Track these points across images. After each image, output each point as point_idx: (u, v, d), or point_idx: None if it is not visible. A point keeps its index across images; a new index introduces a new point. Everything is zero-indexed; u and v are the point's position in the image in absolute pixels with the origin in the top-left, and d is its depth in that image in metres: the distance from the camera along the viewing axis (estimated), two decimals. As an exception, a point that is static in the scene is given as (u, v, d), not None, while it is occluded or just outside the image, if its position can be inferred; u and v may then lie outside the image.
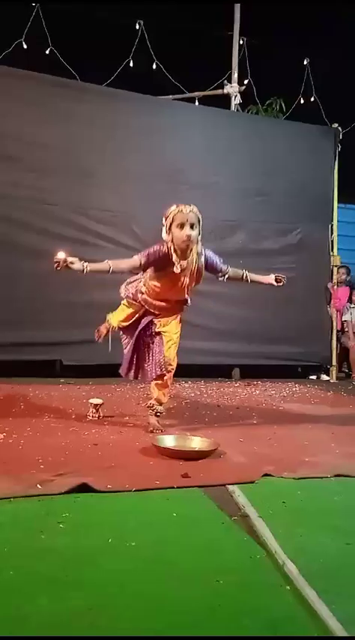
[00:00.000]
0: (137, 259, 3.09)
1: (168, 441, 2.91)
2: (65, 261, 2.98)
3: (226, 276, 3.23)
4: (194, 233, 2.98)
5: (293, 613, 1.39)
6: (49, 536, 1.77)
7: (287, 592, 1.49)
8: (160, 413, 3.32)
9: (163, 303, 3.25)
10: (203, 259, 3.11)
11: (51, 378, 5.19)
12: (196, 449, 2.83)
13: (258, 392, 5.19)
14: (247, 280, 3.33)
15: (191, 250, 3.03)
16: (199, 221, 3.02)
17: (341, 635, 1.29)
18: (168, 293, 3.20)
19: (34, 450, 2.70)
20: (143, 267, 3.14)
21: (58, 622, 1.30)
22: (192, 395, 4.78)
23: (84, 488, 2.19)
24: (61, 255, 3.01)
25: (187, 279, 3.11)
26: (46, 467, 2.44)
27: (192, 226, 2.98)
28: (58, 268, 2.97)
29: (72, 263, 3.00)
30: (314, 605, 1.41)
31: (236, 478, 2.39)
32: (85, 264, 3.03)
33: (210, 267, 3.17)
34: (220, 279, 3.24)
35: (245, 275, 3.32)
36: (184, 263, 3.03)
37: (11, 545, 1.71)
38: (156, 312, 3.27)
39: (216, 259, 3.20)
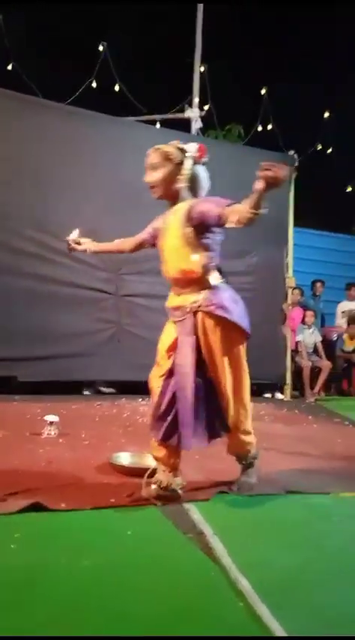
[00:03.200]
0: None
1: (124, 458, 2.89)
2: (75, 242, 2.79)
3: (232, 222, 2.17)
4: (153, 176, 2.39)
5: (246, 629, 1.41)
6: (1, 557, 1.73)
7: (240, 609, 1.51)
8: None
9: (172, 294, 2.46)
10: (186, 208, 2.30)
11: (5, 395, 5.07)
12: (152, 466, 2.82)
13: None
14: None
15: (172, 201, 2.40)
16: (170, 159, 2.35)
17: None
18: (165, 269, 2.45)
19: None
20: (149, 234, 2.61)
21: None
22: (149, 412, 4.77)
23: (37, 507, 2.15)
24: (73, 234, 2.84)
25: (170, 240, 2.37)
26: (0, 485, 2.38)
27: (153, 168, 2.39)
28: (69, 249, 2.79)
29: (78, 244, 2.79)
30: (266, 621, 1.43)
31: (191, 495, 2.41)
32: (91, 247, 2.77)
33: (196, 217, 2.27)
34: (228, 225, 2.20)
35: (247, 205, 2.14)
36: (164, 218, 2.42)
37: None
38: (173, 319, 2.44)
39: (207, 205, 2.26)
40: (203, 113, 6.73)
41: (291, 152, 6.86)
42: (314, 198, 7.97)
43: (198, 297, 2.34)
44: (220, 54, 6.95)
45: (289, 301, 6.66)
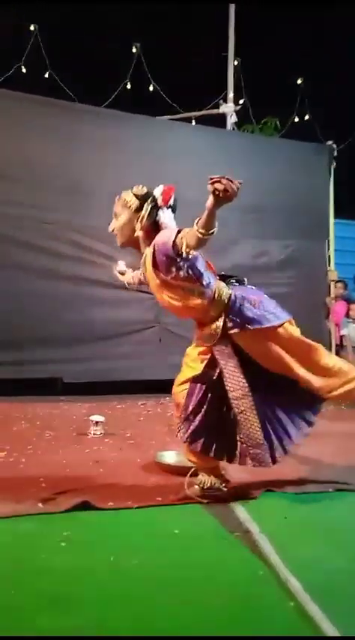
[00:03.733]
0: None
1: (170, 457, 2.90)
2: (120, 272, 2.73)
3: (189, 251, 2.08)
4: (112, 224, 2.38)
5: (296, 629, 1.39)
6: (50, 555, 1.77)
7: (290, 608, 1.49)
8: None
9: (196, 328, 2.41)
10: (150, 254, 2.24)
11: (52, 396, 5.18)
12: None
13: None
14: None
15: (135, 248, 2.37)
16: (128, 206, 2.31)
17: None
18: (170, 311, 2.45)
19: (35, 468, 2.70)
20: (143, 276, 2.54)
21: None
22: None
23: (85, 505, 2.19)
24: (119, 266, 2.77)
25: (156, 289, 2.32)
26: (48, 485, 2.44)
27: (115, 216, 2.38)
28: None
29: (123, 274, 2.73)
30: (317, 621, 1.41)
31: (237, 494, 2.39)
32: (129, 280, 2.65)
33: (160, 261, 2.19)
34: (182, 253, 2.10)
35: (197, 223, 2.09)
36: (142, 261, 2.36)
37: (13, 564, 1.71)
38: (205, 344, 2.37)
39: (162, 244, 2.17)
40: (238, 108, 6.66)
41: (330, 142, 6.70)
42: (355, 188, 7.77)
43: (219, 323, 2.26)
44: (254, 46, 6.87)
45: (332, 295, 6.51)
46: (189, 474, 2.43)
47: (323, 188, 6.61)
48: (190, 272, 2.16)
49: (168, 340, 5.86)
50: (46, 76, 5.98)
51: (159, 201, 2.28)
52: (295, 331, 2.37)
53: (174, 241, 2.11)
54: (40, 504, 2.18)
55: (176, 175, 6.10)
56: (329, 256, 6.53)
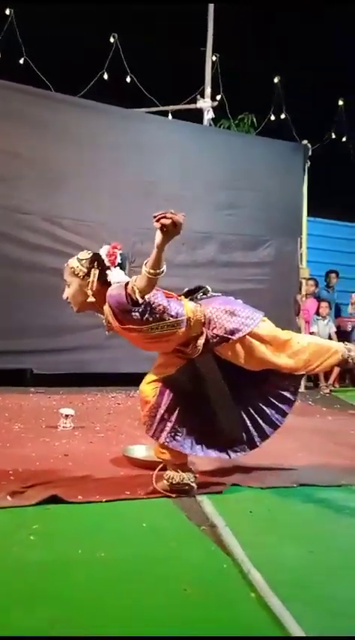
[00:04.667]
0: None
1: (138, 451, 2.94)
2: None
3: (143, 295, 2.10)
4: (66, 293, 2.38)
5: (258, 621, 1.45)
6: (20, 549, 1.79)
7: (252, 600, 1.54)
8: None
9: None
10: (109, 313, 2.24)
11: (21, 387, 5.15)
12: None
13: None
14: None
15: (93, 310, 2.38)
16: (76, 274, 2.30)
17: None
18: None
19: (3, 460, 2.70)
20: None
21: (31, 634, 1.33)
22: (163, 405, 4.81)
23: (54, 499, 2.20)
24: None
25: (126, 335, 2.31)
26: (16, 478, 2.45)
27: (67, 285, 2.37)
28: None
29: None
30: (277, 612, 1.46)
31: (204, 488, 2.44)
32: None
33: (120, 315, 2.18)
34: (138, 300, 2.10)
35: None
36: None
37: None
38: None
39: (115, 300, 2.15)
40: (215, 104, 6.69)
41: (305, 141, 6.80)
42: (329, 187, 7.89)
43: (201, 341, 2.31)
44: (232, 42, 6.88)
45: (303, 292, 6.64)
46: (157, 469, 2.48)
47: (298, 186, 6.72)
48: (155, 312, 2.17)
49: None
50: (21, 62, 5.87)
51: (106, 263, 2.26)
52: (269, 325, 2.45)
53: (126, 294, 2.11)
54: (8, 497, 2.19)
55: (152, 168, 6.14)
56: (301, 254, 6.64)
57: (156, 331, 2.21)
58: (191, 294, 2.45)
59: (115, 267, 2.27)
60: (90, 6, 6.35)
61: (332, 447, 3.43)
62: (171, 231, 1.95)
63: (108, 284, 2.24)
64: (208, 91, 6.68)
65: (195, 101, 6.63)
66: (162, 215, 1.93)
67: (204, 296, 2.44)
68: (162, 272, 2.05)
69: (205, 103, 6.59)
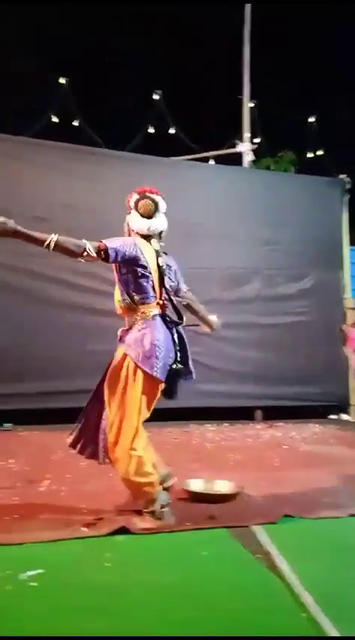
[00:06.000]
0: None
1: (196, 485, 3.16)
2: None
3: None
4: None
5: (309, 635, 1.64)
6: (97, 574, 2.05)
7: (303, 618, 1.74)
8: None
9: None
10: None
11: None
12: (221, 492, 3.08)
13: (279, 434, 5.40)
14: None
15: None
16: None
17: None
18: None
19: (75, 496, 2.99)
20: None
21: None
22: (217, 438, 5.02)
23: (123, 530, 2.46)
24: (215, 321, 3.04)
25: None
26: (88, 511, 2.72)
27: None
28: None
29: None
30: (327, 629, 1.66)
31: (258, 519, 2.64)
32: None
33: None
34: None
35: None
36: None
37: (63, 581, 1.99)
38: None
39: None
40: (254, 147, 7.04)
41: (343, 176, 7.01)
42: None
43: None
44: (268, 87, 7.25)
45: (348, 322, 6.74)
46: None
47: (337, 219, 6.92)
48: (126, 277, 2.66)
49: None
50: (76, 124, 6.43)
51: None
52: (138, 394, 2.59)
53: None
54: (83, 529, 2.47)
55: (196, 210, 6.49)
56: (344, 284, 6.78)
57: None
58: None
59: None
60: (133, 69, 6.90)
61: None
62: (2, 232, 2.29)
63: None
64: (247, 135, 7.04)
65: (234, 146, 6.99)
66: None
67: None
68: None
69: (244, 147, 6.94)
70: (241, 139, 6.96)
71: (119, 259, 2.54)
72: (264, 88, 7.08)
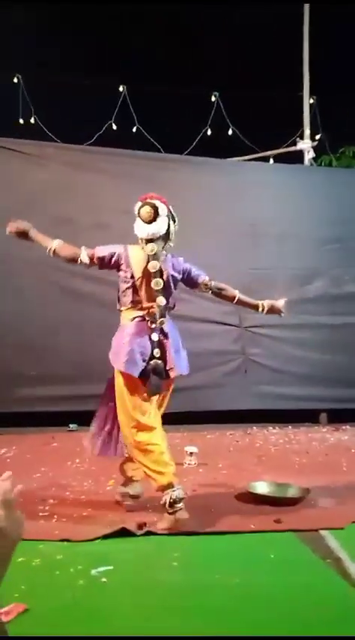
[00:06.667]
0: None
1: (261, 487, 3.13)
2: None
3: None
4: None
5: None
6: (166, 573, 2.07)
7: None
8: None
9: None
10: None
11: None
12: (287, 495, 3.03)
13: (346, 437, 5.24)
14: None
15: None
16: None
17: None
18: None
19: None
20: None
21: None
22: (281, 441, 4.94)
23: (189, 531, 2.47)
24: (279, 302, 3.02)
25: None
26: (154, 512, 2.75)
27: None
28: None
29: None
30: None
31: (326, 523, 2.58)
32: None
33: None
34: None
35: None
36: None
37: (136, 578, 2.03)
38: None
39: None
40: (315, 144, 6.88)
41: None
42: None
43: None
44: (328, 82, 7.08)
45: None
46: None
47: None
48: (119, 279, 2.90)
49: (254, 370, 6.10)
50: (134, 130, 6.54)
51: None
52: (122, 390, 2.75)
53: None
54: (151, 529, 2.50)
55: (257, 210, 6.43)
56: None
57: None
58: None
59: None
60: (191, 69, 6.92)
61: None
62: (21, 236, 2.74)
63: None
64: (307, 132, 6.90)
65: (295, 144, 6.87)
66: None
67: None
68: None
69: (305, 144, 6.80)
70: (302, 137, 6.82)
71: (105, 266, 2.81)
72: (325, 84, 6.92)
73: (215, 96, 6.70)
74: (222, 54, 7.14)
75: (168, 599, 1.87)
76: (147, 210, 2.79)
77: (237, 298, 2.97)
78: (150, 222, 2.78)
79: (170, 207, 2.84)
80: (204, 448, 4.40)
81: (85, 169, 5.97)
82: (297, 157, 6.93)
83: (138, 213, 2.82)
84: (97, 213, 5.85)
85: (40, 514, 2.72)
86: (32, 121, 6.37)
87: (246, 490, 3.08)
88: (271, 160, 6.87)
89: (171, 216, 2.83)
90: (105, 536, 2.40)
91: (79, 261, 2.76)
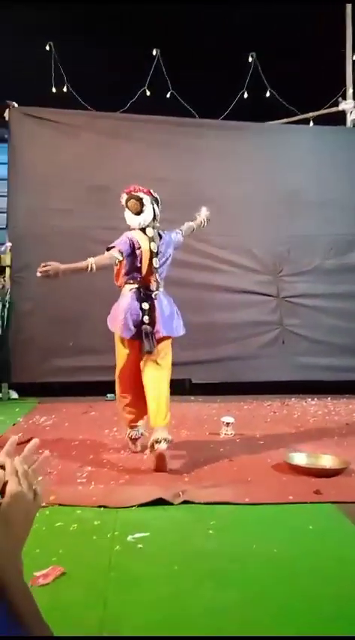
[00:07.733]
0: None
1: (299, 458, 3.07)
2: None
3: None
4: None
5: None
6: (201, 540, 2.06)
7: None
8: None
9: None
10: None
11: (181, 396, 5.55)
12: (327, 467, 2.97)
13: (387, 409, 5.11)
14: None
15: None
16: None
17: None
18: None
19: (178, 464, 3.03)
20: None
21: (216, 611, 1.57)
22: (320, 413, 4.85)
23: (225, 499, 2.45)
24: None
25: None
26: (190, 480, 2.75)
27: None
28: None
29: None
30: None
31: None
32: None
33: None
34: None
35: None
36: None
37: (171, 545, 2.02)
38: None
39: None
40: (358, 103, 6.55)
41: None
42: None
43: None
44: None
45: None
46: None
47: None
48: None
49: (292, 341, 5.98)
50: (168, 96, 6.36)
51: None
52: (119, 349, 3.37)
53: None
54: (186, 497, 2.49)
55: (295, 177, 6.20)
56: None
57: None
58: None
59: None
60: (226, 29, 6.63)
61: None
62: (52, 275, 2.79)
63: None
64: (350, 91, 6.57)
65: (337, 104, 6.56)
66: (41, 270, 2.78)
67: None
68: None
69: (348, 105, 6.48)
70: (344, 97, 6.50)
71: (129, 255, 3.14)
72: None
73: (252, 57, 6.42)
74: (258, 12, 6.81)
75: (203, 567, 1.85)
76: (133, 203, 3.19)
77: (195, 226, 3.66)
78: (138, 213, 3.18)
79: (153, 193, 3.24)
80: (241, 418, 4.37)
81: (119, 137, 5.87)
82: (339, 119, 6.62)
83: (126, 205, 3.21)
84: (132, 181, 5.73)
85: (78, 480, 2.75)
86: (65, 89, 6.27)
87: (283, 461, 3.04)
88: (311, 123, 6.59)
89: (154, 201, 3.23)
90: (142, 504, 2.40)
91: (116, 261, 3.07)
